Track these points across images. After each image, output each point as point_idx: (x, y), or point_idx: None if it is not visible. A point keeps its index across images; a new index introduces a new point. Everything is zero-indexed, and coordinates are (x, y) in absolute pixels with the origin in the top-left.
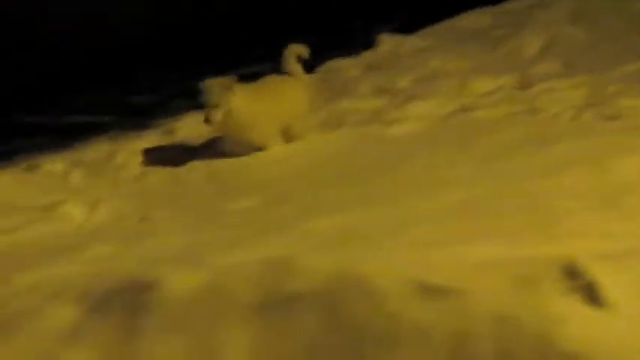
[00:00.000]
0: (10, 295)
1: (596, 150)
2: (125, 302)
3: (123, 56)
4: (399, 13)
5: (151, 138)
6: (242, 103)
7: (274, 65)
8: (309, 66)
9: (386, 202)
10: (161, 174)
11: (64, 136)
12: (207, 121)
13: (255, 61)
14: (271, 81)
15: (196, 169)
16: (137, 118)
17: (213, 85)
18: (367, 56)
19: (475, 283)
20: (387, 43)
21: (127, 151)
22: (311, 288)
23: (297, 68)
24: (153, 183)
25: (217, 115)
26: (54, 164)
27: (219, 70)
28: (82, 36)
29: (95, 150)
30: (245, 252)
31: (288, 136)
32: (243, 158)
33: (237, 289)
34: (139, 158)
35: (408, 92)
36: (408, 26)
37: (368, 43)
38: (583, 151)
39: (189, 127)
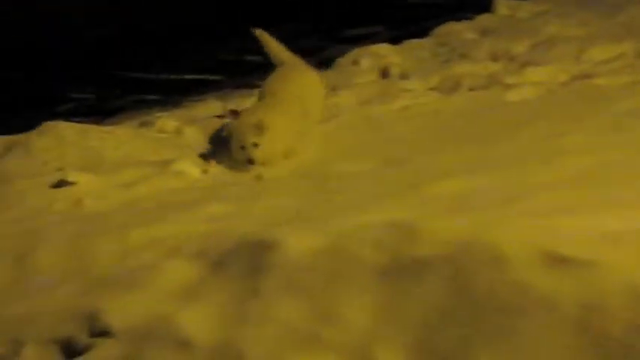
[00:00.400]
0: (128, 251)
1: None
2: (245, 262)
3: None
4: None
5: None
6: (277, 129)
7: (386, 25)
8: None
9: (506, 167)
10: None
11: (175, 93)
12: (250, 162)
13: (367, 23)
14: (289, 79)
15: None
16: (249, 77)
17: (242, 127)
18: (483, 20)
19: (606, 254)
20: (504, 6)
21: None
22: (437, 254)
23: (291, 57)
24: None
25: (259, 154)
26: (167, 121)
27: (329, 29)
28: None
29: (207, 108)
30: (364, 215)
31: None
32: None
33: (361, 252)
34: None
35: (524, 57)
36: None
37: (482, 7)
38: None
39: None
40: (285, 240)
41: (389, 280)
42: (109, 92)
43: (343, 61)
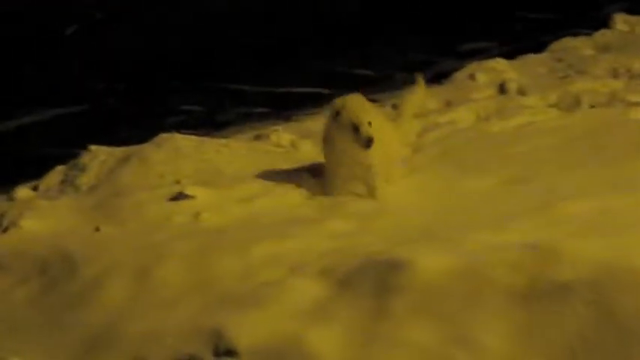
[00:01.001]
0: (250, 267)
1: None
2: (373, 282)
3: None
4: None
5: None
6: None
7: (500, 40)
8: None
9: (633, 190)
10: None
11: (284, 106)
12: (367, 144)
13: (481, 37)
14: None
15: (430, 142)
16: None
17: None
18: (600, 35)
19: None
20: (622, 22)
21: None
22: (579, 278)
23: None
24: None
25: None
26: (282, 135)
27: (441, 43)
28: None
29: (322, 122)
30: (497, 234)
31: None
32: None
33: (497, 274)
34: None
35: None
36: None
37: (598, 22)
38: None
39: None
40: (415, 260)
41: (527, 305)
42: (218, 105)
43: (459, 76)
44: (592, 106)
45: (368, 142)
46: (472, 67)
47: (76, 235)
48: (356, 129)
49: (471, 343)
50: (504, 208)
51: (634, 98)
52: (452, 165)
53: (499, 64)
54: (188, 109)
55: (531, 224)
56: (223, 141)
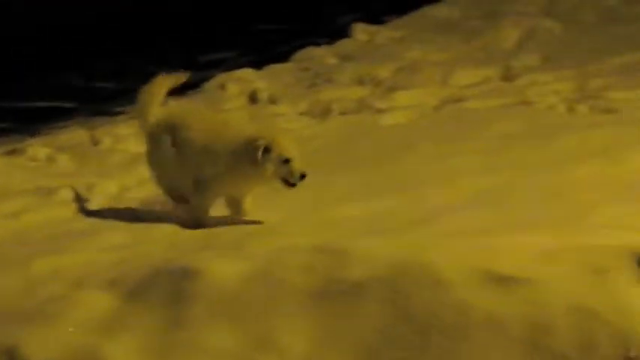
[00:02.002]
0: (33, 283)
1: (602, 142)
2: (164, 291)
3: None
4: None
5: (131, 123)
6: None
7: (241, 50)
8: None
9: (404, 189)
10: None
11: (29, 120)
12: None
13: (221, 48)
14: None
15: None
16: (103, 104)
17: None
18: (342, 45)
19: (545, 272)
20: (361, 32)
21: (111, 136)
22: (372, 276)
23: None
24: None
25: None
26: (39, 149)
27: (183, 56)
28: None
29: (73, 135)
30: (280, 238)
31: None
32: None
33: (290, 277)
34: (124, 144)
35: (390, 82)
36: (372, 16)
37: (334, 32)
38: (589, 144)
39: None
40: (208, 267)
41: (324, 304)
42: None
43: (209, 86)
44: (342, 114)
45: (298, 179)
46: (222, 77)
47: None
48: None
49: (272, 344)
50: (277, 214)
51: (381, 105)
52: None
53: (247, 74)
54: None
55: (310, 228)
56: None
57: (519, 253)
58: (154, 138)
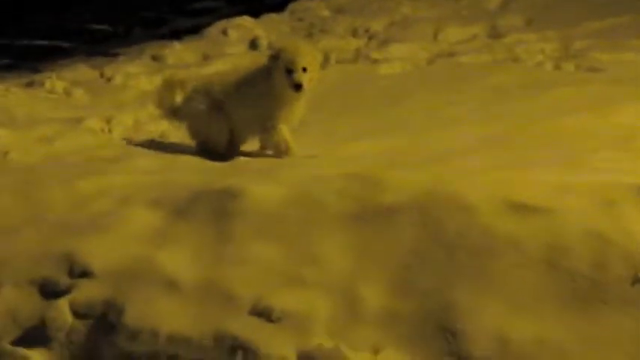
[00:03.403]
0: (81, 198)
1: (590, 97)
2: (209, 209)
3: None
4: None
5: (141, 63)
6: None
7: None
8: None
9: (410, 132)
10: None
11: (31, 57)
12: (297, 87)
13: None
14: None
15: None
16: (100, 45)
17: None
18: None
19: (559, 202)
20: None
21: (121, 73)
22: (404, 201)
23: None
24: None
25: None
26: (56, 82)
27: (173, 3)
28: None
29: (83, 72)
30: (312, 167)
31: None
32: None
33: (327, 200)
34: (135, 81)
35: (383, 35)
36: None
37: None
38: (578, 98)
39: (178, 54)
40: (249, 189)
41: (360, 226)
42: None
43: (212, 32)
44: (339, 62)
45: (297, 86)
46: (222, 23)
47: None
48: (291, 72)
49: (315, 259)
50: (300, 149)
51: (376, 56)
52: None
53: (247, 21)
54: None
55: (334, 160)
56: (1, 87)
57: (535, 186)
58: (192, 108)
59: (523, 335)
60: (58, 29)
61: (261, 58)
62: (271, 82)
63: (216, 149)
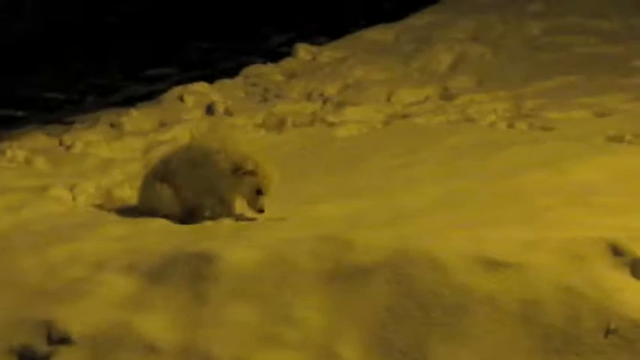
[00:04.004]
0: (55, 265)
1: (545, 155)
2: (184, 273)
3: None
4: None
5: (99, 130)
6: None
7: (181, 67)
8: None
9: (371, 193)
10: (120, 163)
11: None
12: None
13: (162, 64)
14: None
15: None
16: (54, 113)
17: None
18: (287, 63)
19: (530, 257)
20: (305, 51)
21: (81, 141)
22: (377, 261)
23: None
24: (116, 173)
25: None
26: (16, 151)
27: (125, 70)
28: None
29: (39, 140)
30: (283, 231)
31: None
32: None
33: (302, 262)
34: (95, 149)
35: (338, 98)
36: (304, 37)
37: (273, 51)
38: (533, 156)
39: (135, 121)
40: (223, 252)
41: (335, 285)
42: None
43: (168, 97)
44: (296, 126)
45: (261, 211)
46: (178, 89)
47: None
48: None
49: (291, 319)
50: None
51: (332, 119)
52: None
53: (202, 87)
54: None
55: (304, 223)
56: None
57: (504, 243)
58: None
59: None
60: (9, 98)
61: (217, 125)
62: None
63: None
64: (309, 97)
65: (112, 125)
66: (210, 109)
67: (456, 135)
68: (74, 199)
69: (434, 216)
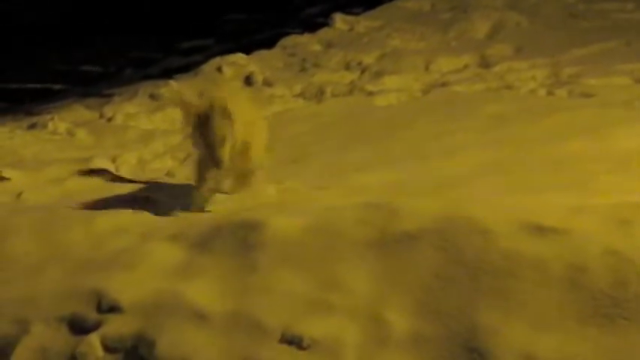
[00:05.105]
0: (102, 236)
1: (587, 122)
2: (230, 242)
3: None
4: None
5: (139, 102)
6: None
7: (217, 38)
8: None
9: (413, 161)
10: (161, 134)
11: (25, 100)
12: (217, 162)
13: (197, 36)
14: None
15: None
16: (93, 86)
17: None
18: (325, 33)
19: (577, 222)
20: (342, 21)
21: (121, 113)
22: (423, 228)
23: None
24: (157, 145)
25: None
26: (58, 123)
27: (163, 42)
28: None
29: (79, 113)
30: (329, 200)
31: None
32: None
33: (347, 229)
34: (135, 121)
35: (376, 68)
36: (339, 8)
37: (307, 22)
38: (575, 123)
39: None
40: (269, 220)
41: (381, 252)
42: None
43: (206, 69)
44: (335, 96)
45: (219, 164)
46: (217, 61)
47: None
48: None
49: (338, 286)
50: (304, 183)
51: (371, 88)
52: None
53: (240, 58)
54: None
55: (348, 191)
56: (5, 130)
57: (550, 208)
58: None
59: (548, 352)
60: (48, 72)
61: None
62: None
63: None
64: (347, 66)
65: (151, 97)
66: (249, 80)
67: (496, 103)
68: (117, 170)
69: (477, 183)
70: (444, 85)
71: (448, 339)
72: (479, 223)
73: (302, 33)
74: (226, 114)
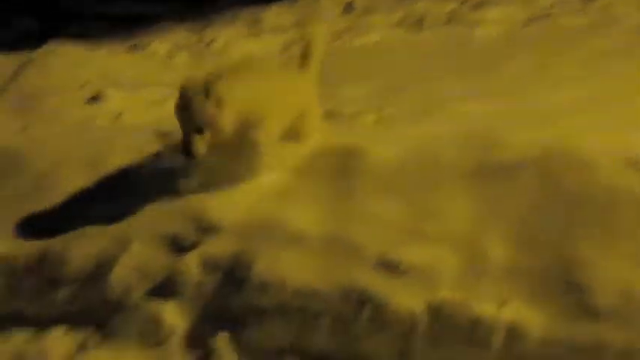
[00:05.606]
0: None
1: None
2: (330, 168)
3: None
4: None
5: (239, 26)
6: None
7: None
8: None
9: (513, 93)
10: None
11: (123, 23)
12: (187, 152)
13: None
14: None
15: None
16: (191, 11)
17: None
18: None
19: None
20: None
21: (221, 37)
22: (523, 159)
23: None
24: None
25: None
26: (158, 45)
27: None
28: None
29: (181, 37)
30: (426, 127)
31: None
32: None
33: (445, 157)
34: (235, 45)
35: None
36: None
37: None
38: None
39: (275, 18)
40: (368, 148)
41: (481, 181)
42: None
43: None
44: (434, 26)
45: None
46: None
47: (8, 135)
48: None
49: (436, 215)
50: (406, 108)
51: (471, 18)
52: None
53: None
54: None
55: (445, 119)
56: (104, 51)
57: None
58: None
59: None
60: None
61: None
62: None
63: None
64: None
65: (251, 22)
66: (349, 7)
67: (600, 36)
68: None
69: (579, 117)
70: (545, 17)
71: (546, 271)
72: (580, 156)
73: None
74: (213, 97)
